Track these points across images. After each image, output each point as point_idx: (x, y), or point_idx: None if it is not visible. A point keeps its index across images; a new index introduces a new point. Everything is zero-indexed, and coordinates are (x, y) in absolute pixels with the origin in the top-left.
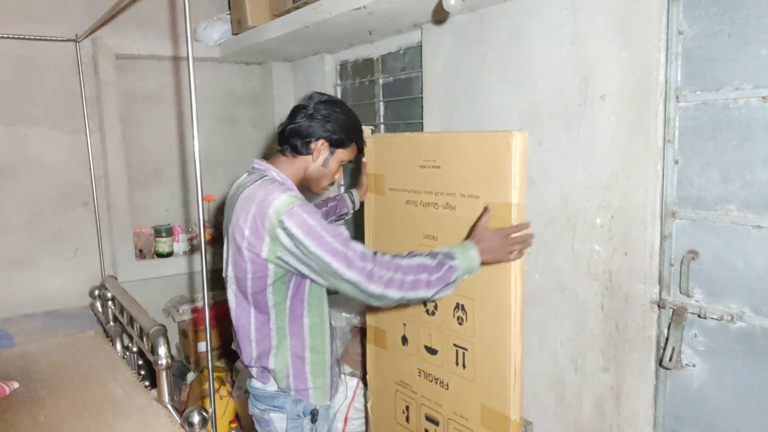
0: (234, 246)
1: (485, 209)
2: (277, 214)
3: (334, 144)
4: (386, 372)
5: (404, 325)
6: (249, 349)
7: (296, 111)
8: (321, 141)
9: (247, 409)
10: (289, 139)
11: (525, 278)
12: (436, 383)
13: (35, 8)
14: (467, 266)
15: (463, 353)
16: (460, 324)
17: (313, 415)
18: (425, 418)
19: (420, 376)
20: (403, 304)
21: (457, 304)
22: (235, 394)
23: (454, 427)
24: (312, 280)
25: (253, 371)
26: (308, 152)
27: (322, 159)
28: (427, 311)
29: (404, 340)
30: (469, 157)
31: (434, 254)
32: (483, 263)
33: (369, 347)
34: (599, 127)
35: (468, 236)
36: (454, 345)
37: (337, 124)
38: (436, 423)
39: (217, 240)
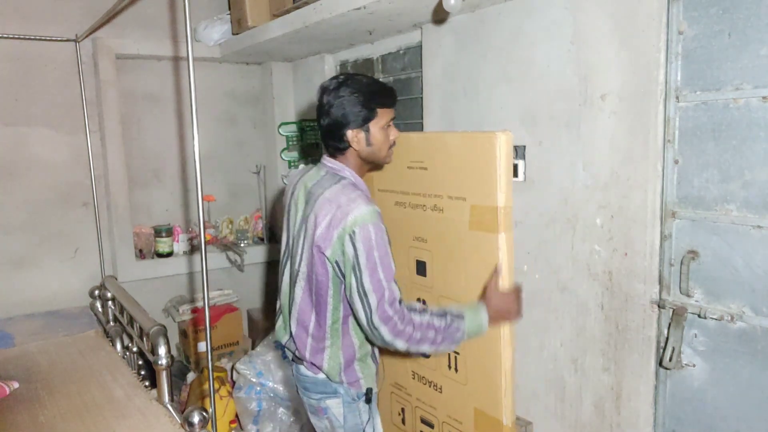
0: (309, 243)
1: (495, 269)
2: (353, 224)
3: (362, 124)
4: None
5: None
6: (305, 344)
7: (318, 115)
8: (348, 131)
9: (247, 409)
10: (328, 143)
11: (522, 279)
12: (430, 386)
13: (35, 8)
14: (476, 330)
15: (455, 357)
16: None
17: (368, 396)
18: (420, 421)
19: (414, 378)
20: None
21: None
22: (235, 395)
23: (448, 431)
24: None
25: (304, 362)
26: (348, 145)
27: (364, 141)
28: None
29: None
30: (454, 159)
31: (444, 314)
32: (491, 324)
33: None
34: (599, 127)
35: (480, 296)
36: None
37: (349, 106)
38: (431, 426)
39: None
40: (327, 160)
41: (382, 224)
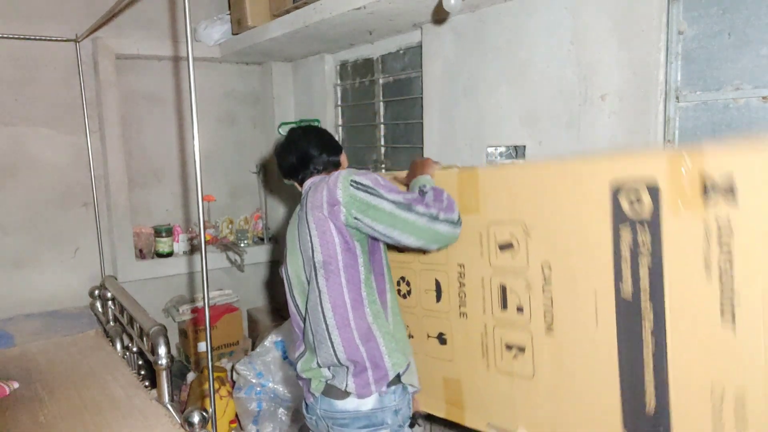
0: (318, 231)
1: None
2: (345, 179)
3: (341, 150)
4: None
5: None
6: (353, 345)
7: (299, 148)
8: (342, 155)
9: (247, 409)
10: (309, 169)
11: None
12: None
13: (35, 8)
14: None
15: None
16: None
17: (413, 421)
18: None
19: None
20: None
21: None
22: (235, 396)
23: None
24: (384, 242)
25: (342, 378)
26: (337, 166)
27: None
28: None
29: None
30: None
31: (422, 192)
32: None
33: None
34: (599, 127)
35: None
36: None
37: (331, 138)
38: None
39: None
40: (306, 184)
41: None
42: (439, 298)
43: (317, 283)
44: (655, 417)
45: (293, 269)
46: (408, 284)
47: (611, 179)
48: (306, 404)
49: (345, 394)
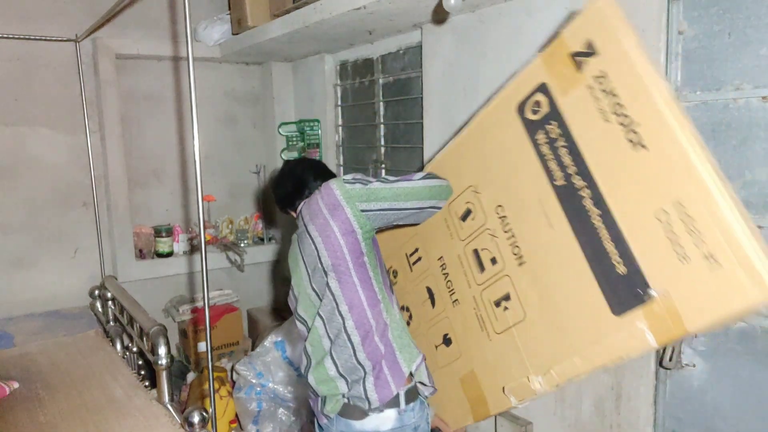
0: (322, 236)
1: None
2: (337, 182)
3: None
4: None
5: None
6: (367, 335)
7: (297, 177)
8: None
9: (247, 409)
10: (303, 193)
11: None
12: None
13: (35, 8)
14: None
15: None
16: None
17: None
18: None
19: None
20: None
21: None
22: (235, 396)
23: None
24: (398, 223)
25: (360, 387)
26: None
27: None
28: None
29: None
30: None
31: None
32: None
33: None
34: None
35: None
36: None
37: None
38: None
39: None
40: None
41: None
42: (434, 303)
43: (330, 288)
44: (628, 276)
45: (299, 288)
46: (408, 309)
47: (514, 104)
48: (319, 425)
49: (363, 414)
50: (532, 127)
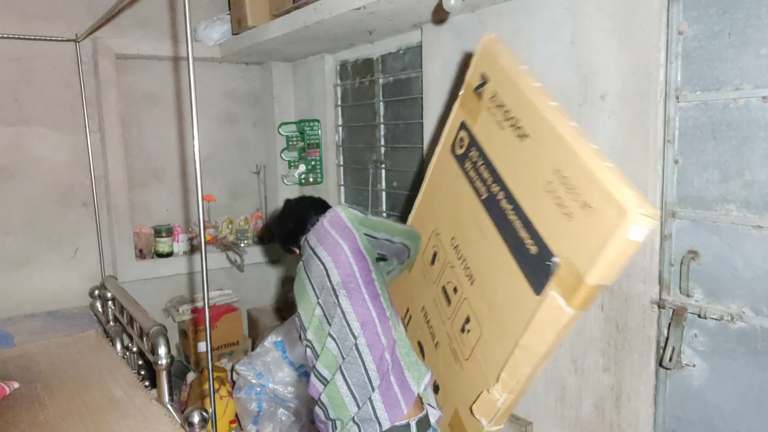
0: (332, 255)
1: None
2: (343, 207)
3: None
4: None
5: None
6: (378, 352)
7: (299, 212)
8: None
9: (247, 409)
10: (306, 227)
11: None
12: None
13: (35, 8)
14: None
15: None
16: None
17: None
18: None
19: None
20: None
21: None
22: (235, 396)
23: None
24: (384, 256)
25: (369, 408)
26: None
27: None
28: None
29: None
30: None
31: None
32: None
33: None
34: (599, 127)
35: None
36: None
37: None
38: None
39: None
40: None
41: None
42: (424, 355)
43: (340, 306)
44: (539, 254)
45: (306, 315)
46: None
47: (448, 147)
48: None
49: None
50: (461, 160)
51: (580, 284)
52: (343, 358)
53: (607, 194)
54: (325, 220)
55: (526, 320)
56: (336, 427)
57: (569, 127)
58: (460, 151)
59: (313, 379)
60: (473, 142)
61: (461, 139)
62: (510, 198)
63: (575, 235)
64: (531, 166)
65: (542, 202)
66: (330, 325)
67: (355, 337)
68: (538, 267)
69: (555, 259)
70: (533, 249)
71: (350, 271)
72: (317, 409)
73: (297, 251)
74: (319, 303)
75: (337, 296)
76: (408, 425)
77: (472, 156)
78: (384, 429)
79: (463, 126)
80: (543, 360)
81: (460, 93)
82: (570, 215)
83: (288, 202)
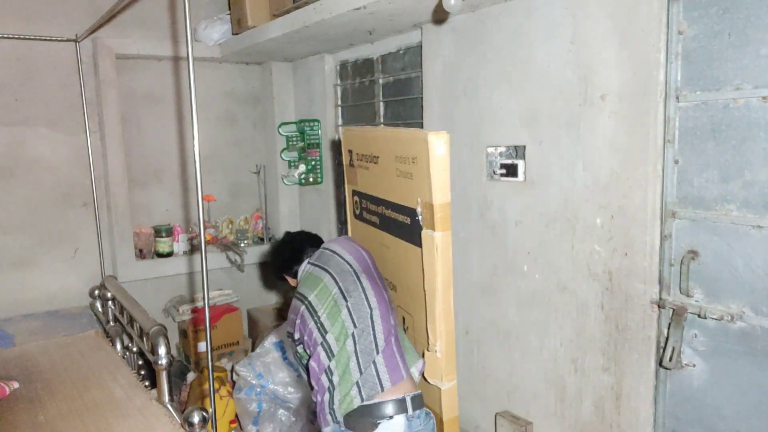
0: (353, 254)
1: None
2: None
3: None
4: None
5: None
6: (386, 326)
7: (297, 244)
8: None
9: (247, 409)
10: (303, 257)
11: (522, 279)
12: None
13: (35, 8)
14: None
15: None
16: None
17: None
18: None
19: None
20: None
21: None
22: (235, 396)
23: None
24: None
25: (374, 378)
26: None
27: None
28: None
29: None
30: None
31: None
32: None
33: None
34: (599, 127)
35: None
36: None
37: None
38: None
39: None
40: (302, 266)
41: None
42: None
43: (361, 284)
44: (412, 220)
45: (321, 300)
46: None
47: (353, 215)
48: None
49: (373, 426)
50: (360, 216)
51: (432, 209)
52: (355, 326)
53: (415, 140)
54: (333, 239)
55: (420, 274)
56: (334, 394)
57: (393, 129)
58: (358, 211)
59: (320, 352)
60: (361, 196)
61: (356, 202)
62: (387, 203)
63: (418, 184)
64: (386, 170)
65: (399, 185)
66: (347, 300)
67: (371, 308)
68: (414, 229)
69: (417, 210)
70: (408, 220)
71: (366, 264)
72: (317, 383)
73: (290, 280)
74: (337, 283)
75: (358, 277)
76: (403, 399)
77: (363, 205)
78: (385, 388)
79: (354, 193)
80: (446, 292)
81: (345, 175)
82: (410, 175)
83: (287, 234)
